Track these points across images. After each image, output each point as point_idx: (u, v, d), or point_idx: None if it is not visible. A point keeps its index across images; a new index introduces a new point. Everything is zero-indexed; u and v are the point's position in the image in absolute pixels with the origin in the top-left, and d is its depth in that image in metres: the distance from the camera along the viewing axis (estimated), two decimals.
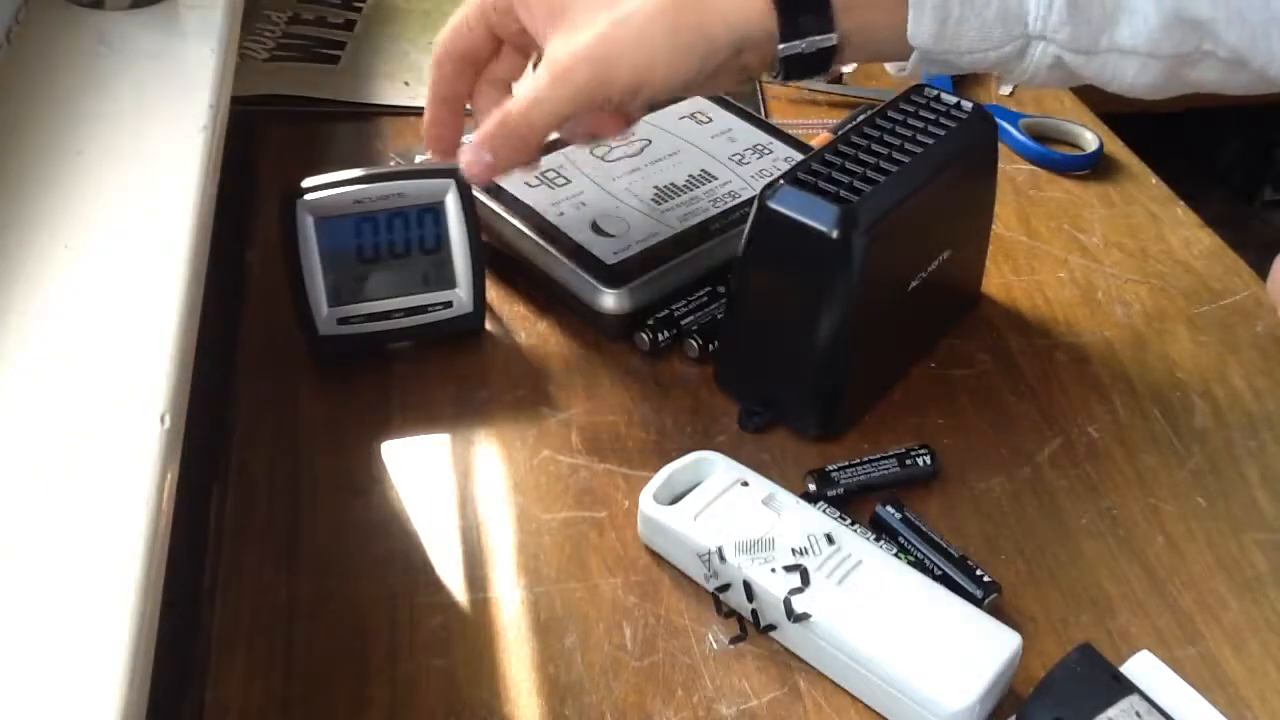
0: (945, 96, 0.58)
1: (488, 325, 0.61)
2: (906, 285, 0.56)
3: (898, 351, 0.61)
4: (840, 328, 0.53)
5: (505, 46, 0.57)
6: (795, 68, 0.51)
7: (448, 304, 0.59)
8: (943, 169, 0.55)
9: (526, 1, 0.53)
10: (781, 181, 0.52)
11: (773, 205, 0.52)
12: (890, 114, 0.56)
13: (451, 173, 0.57)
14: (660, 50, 0.51)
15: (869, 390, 0.59)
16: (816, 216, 0.51)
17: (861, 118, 0.56)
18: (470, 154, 0.53)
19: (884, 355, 0.59)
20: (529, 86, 0.52)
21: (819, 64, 0.51)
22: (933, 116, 0.56)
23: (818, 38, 0.50)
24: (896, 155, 0.53)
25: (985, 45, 0.49)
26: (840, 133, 0.58)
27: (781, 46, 0.50)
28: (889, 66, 0.57)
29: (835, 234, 0.50)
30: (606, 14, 0.50)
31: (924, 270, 0.57)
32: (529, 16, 0.53)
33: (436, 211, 0.58)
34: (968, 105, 0.57)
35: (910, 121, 0.56)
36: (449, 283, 0.59)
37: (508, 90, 0.58)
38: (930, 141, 0.55)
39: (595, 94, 0.52)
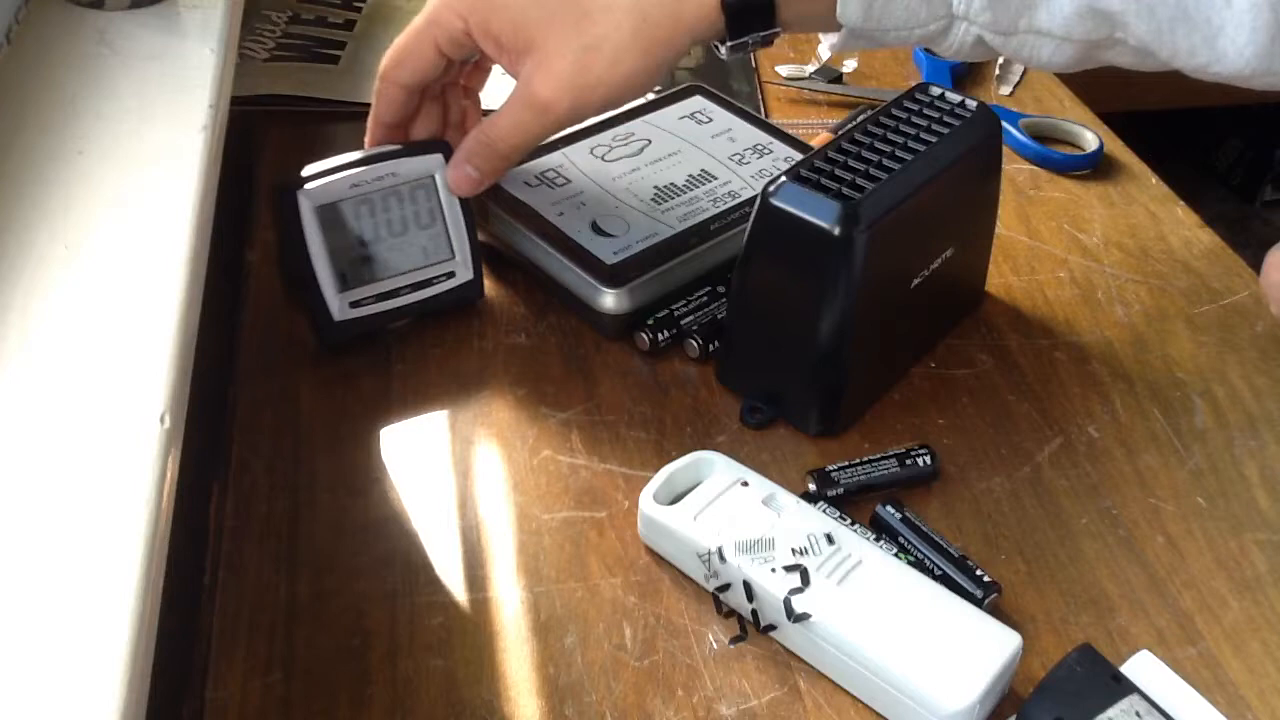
0: (950, 95, 0.58)
1: (488, 325, 0.62)
2: (909, 283, 0.56)
3: (900, 350, 0.61)
4: (842, 324, 0.53)
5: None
6: (736, 51, 0.55)
7: (450, 274, 0.60)
8: (946, 167, 0.55)
9: (490, 33, 0.54)
10: (784, 178, 0.52)
11: (775, 201, 0.52)
12: (894, 112, 0.57)
13: (439, 147, 0.59)
14: (635, 71, 0.54)
15: (870, 388, 0.59)
16: (818, 213, 0.51)
17: (864, 116, 0.56)
18: (456, 170, 0.58)
19: (886, 353, 0.59)
20: (512, 118, 0.55)
21: (757, 46, 0.55)
22: (936, 115, 0.56)
23: (762, 34, 0.54)
24: (900, 153, 0.53)
25: (911, 24, 0.52)
26: (842, 131, 0.58)
27: (731, 44, 0.54)
28: (823, 41, 0.59)
29: (837, 230, 0.50)
30: (578, 41, 0.53)
31: (926, 268, 0.57)
32: (494, 48, 0.55)
33: (428, 187, 0.59)
34: (972, 104, 0.57)
35: (914, 120, 0.56)
36: (447, 254, 0.60)
37: (443, 101, 0.62)
38: (934, 140, 0.55)
39: (574, 119, 0.55)
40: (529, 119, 0.55)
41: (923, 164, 0.54)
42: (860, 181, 0.52)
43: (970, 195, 0.60)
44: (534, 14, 0.53)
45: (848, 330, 0.53)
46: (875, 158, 0.53)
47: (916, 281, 0.57)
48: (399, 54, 0.57)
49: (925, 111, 0.57)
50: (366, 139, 0.59)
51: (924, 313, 0.60)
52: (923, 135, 0.55)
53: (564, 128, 0.56)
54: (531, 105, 0.54)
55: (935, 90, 0.58)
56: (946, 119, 0.56)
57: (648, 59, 0.53)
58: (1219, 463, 0.58)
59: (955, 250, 0.59)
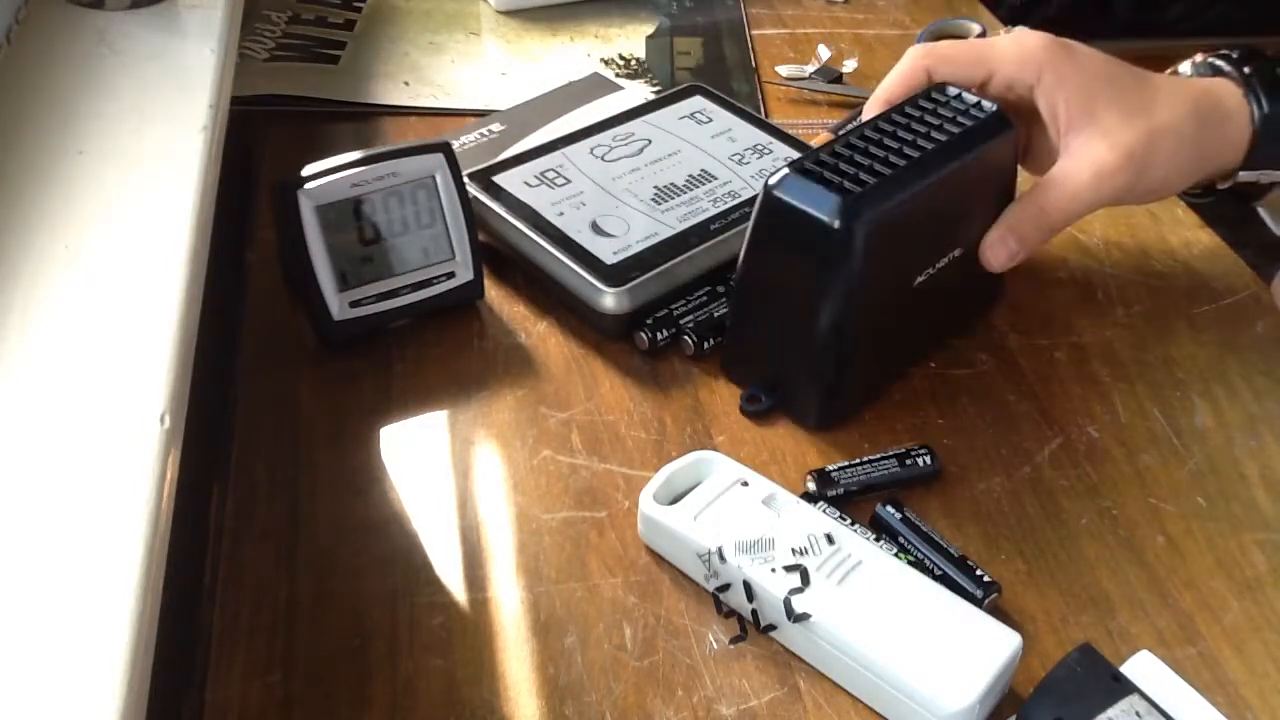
0: (966, 95, 0.57)
1: (488, 325, 0.62)
2: (912, 280, 0.56)
3: (902, 346, 0.61)
4: (841, 317, 0.53)
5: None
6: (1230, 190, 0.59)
7: (450, 274, 0.60)
8: (956, 167, 0.54)
9: (1059, 95, 0.55)
10: (787, 170, 0.52)
11: (776, 193, 0.52)
12: (907, 110, 0.56)
13: (440, 147, 0.59)
14: (1187, 167, 0.55)
15: (871, 383, 0.59)
16: (819, 205, 0.51)
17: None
18: (997, 245, 0.58)
19: (887, 349, 0.59)
20: (1070, 185, 0.56)
21: (1246, 194, 0.60)
22: (950, 115, 0.56)
23: (1273, 172, 0.57)
24: (908, 150, 0.53)
25: None
26: (852, 125, 0.57)
27: (1242, 174, 0.57)
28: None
29: (837, 224, 0.50)
30: (1146, 123, 0.54)
31: (932, 267, 0.57)
32: (1050, 110, 0.56)
33: (428, 187, 0.59)
34: (989, 105, 0.57)
35: (927, 118, 0.56)
36: (447, 254, 0.60)
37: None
38: (944, 139, 0.54)
39: (1123, 196, 0.56)
40: (1091, 189, 0.55)
41: (931, 162, 0.53)
42: (864, 176, 0.51)
43: (982, 197, 0.60)
44: (1102, 89, 0.55)
45: (846, 323, 0.53)
46: (882, 154, 0.53)
47: (920, 280, 0.57)
48: (897, 75, 0.59)
49: (939, 111, 0.56)
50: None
51: (930, 311, 0.60)
52: (934, 134, 0.55)
53: (1111, 204, 0.57)
54: (1099, 174, 0.55)
55: (952, 90, 0.58)
56: (960, 119, 0.56)
57: (1198, 163, 0.56)
58: (1219, 463, 0.58)
59: (964, 251, 0.58)
